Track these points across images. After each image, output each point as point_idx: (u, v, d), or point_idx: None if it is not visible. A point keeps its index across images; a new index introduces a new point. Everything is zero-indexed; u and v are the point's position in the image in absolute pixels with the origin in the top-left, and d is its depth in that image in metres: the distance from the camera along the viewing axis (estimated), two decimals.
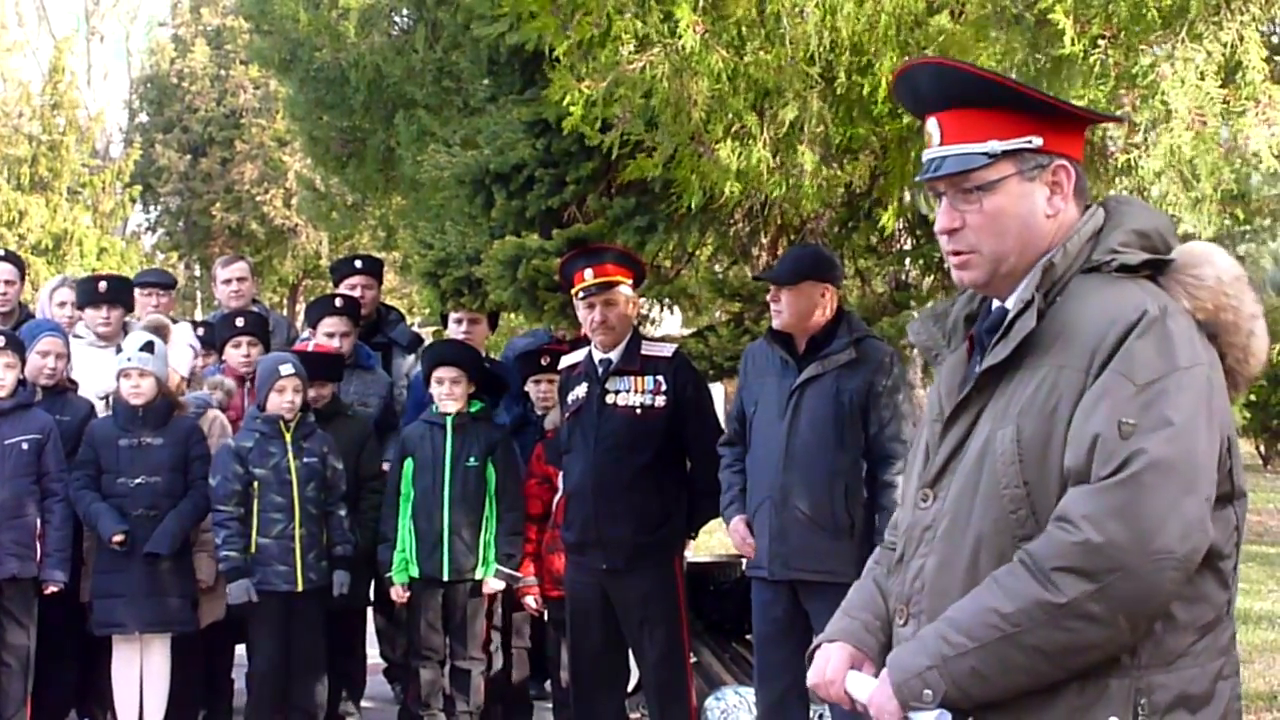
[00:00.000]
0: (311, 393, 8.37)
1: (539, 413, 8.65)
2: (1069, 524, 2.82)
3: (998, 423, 3.01)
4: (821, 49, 6.49)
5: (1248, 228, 9.08)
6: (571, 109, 6.77)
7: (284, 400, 8.14)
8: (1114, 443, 2.82)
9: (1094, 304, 2.96)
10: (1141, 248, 3.05)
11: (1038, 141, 3.06)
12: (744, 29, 6.62)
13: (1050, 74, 5.82)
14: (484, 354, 9.27)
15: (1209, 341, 2.98)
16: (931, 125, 3.15)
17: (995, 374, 3.05)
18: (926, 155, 3.17)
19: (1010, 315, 3.04)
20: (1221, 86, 5.79)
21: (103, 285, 9.23)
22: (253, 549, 8.05)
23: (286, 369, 8.18)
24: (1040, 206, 3.08)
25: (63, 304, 9.39)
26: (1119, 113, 5.69)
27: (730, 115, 6.80)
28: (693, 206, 7.39)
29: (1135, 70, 5.74)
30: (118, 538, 7.94)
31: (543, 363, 8.68)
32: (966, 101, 3.09)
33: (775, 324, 6.93)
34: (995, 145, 3.06)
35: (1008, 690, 2.88)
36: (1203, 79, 5.70)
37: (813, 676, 3.33)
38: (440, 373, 8.21)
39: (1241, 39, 5.78)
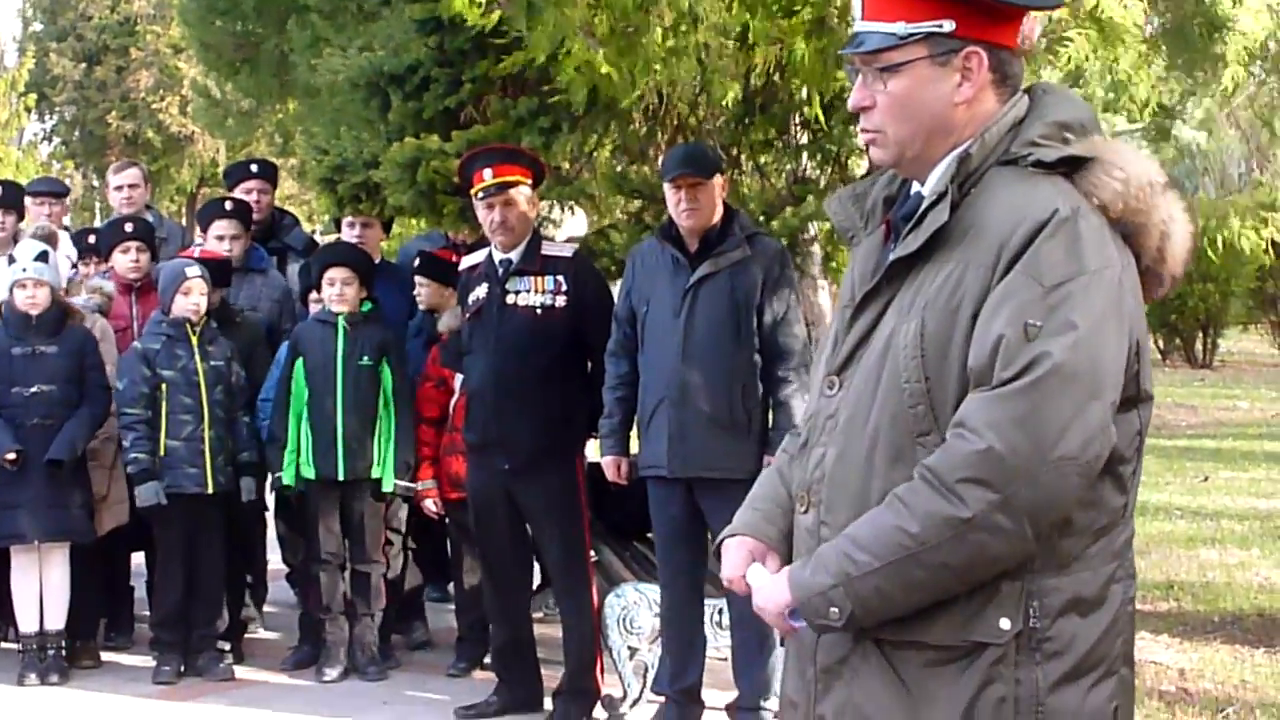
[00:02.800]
0: None
1: (421, 312, 8.65)
2: (970, 431, 2.78)
3: (903, 316, 2.95)
4: None
5: (1138, 124, 9.11)
6: None
7: (190, 302, 8.11)
8: (1018, 345, 2.77)
9: (1005, 200, 2.90)
10: (1062, 141, 2.98)
11: (949, 25, 2.96)
12: None
13: None
14: (378, 258, 9.22)
15: (1124, 242, 2.94)
16: None
17: (905, 265, 2.99)
18: (853, 28, 3.10)
19: (923, 206, 2.99)
20: None
21: None
22: (161, 451, 8.02)
23: (192, 271, 8.16)
24: (949, 93, 3.00)
25: None
26: None
27: (615, 12, 6.74)
28: (577, 105, 7.32)
29: None
30: (10, 455, 7.89)
31: (415, 264, 8.73)
32: None
33: (687, 222, 6.88)
34: (902, 27, 2.97)
35: (911, 606, 2.87)
36: None
37: (723, 574, 3.31)
38: (332, 273, 8.15)
39: None
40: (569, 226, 10.70)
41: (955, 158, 3.01)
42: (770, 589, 3.08)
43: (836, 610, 2.90)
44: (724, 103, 7.88)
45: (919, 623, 2.90)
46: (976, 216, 2.93)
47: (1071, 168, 2.95)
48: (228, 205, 9.22)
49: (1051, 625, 2.88)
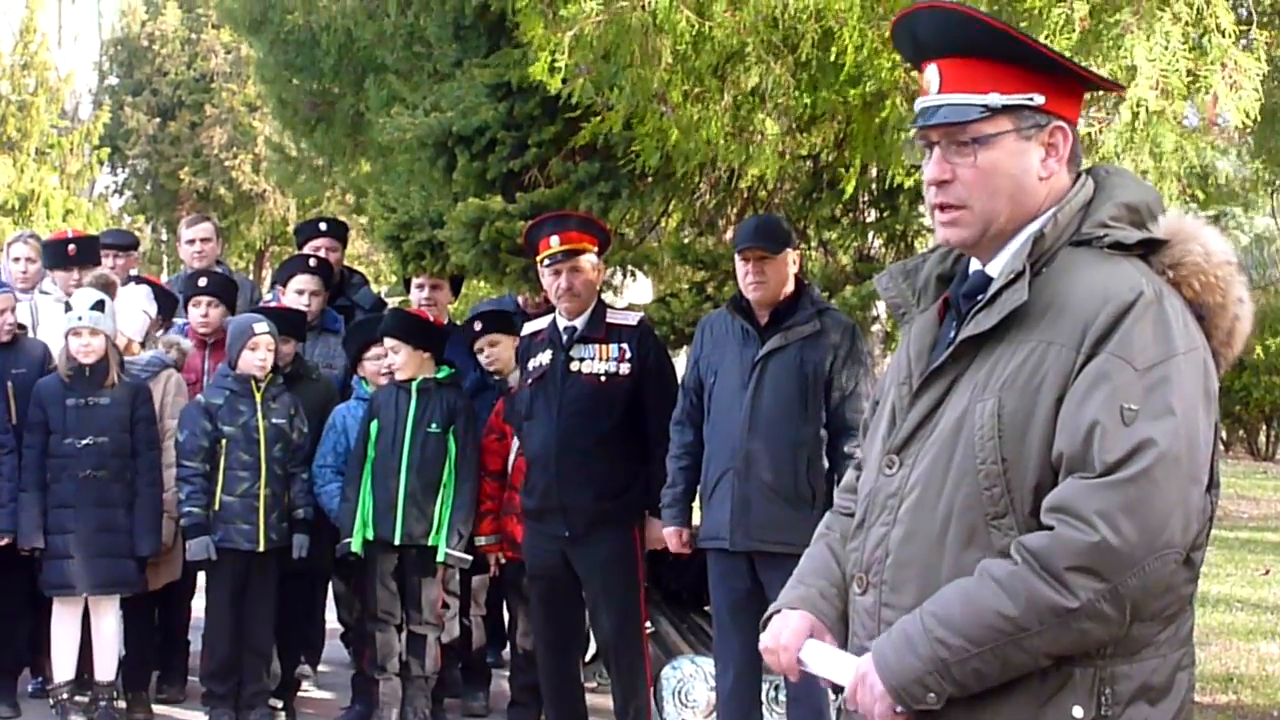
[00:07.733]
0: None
1: (495, 377, 8.57)
2: (1080, 520, 2.74)
3: (976, 395, 2.91)
4: (786, 15, 6.44)
5: (1212, 211, 9.06)
6: (539, 55, 6.71)
7: (256, 358, 8.09)
8: (1116, 430, 2.74)
9: (1087, 280, 2.88)
10: (1130, 222, 2.96)
11: (1039, 99, 2.95)
12: None
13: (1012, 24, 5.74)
14: (446, 319, 9.20)
15: (1198, 323, 2.91)
16: (930, 72, 3.03)
17: (975, 343, 2.96)
18: (921, 103, 3.06)
19: (998, 285, 2.95)
20: (1189, 52, 5.75)
21: (71, 248, 9.21)
22: (216, 506, 8.01)
23: (260, 327, 8.14)
24: (1034, 167, 2.98)
25: (17, 259, 9.28)
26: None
27: (692, 79, 6.75)
28: (649, 168, 7.33)
29: (1101, 26, 5.68)
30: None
31: (524, 329, 8.46)
32: (970, 50, 2.97)
33: (754, 295, 6.88)
34: (996, 99, 2.95)
35: (1004, 681, 2.84)
36: (1169, 40, 5.65)
37: (765, 642, 3.26)
38: (379, 347, 8.27)
39: (1209, 2, 5.74)
40: (631, 292, 10.67)
41: (1030, 236, 2.98)
42: (865, 687, 2.97)
43: (934, 696, 2.86)
44: (795, 177, 7.88)
45: (990, 704, 2.86)
46: (1055, 296, 2.90)
47: (1148, 249, 2.94)
48: (311, 262, 9.28)
49: (1122, 713, 2.84)
